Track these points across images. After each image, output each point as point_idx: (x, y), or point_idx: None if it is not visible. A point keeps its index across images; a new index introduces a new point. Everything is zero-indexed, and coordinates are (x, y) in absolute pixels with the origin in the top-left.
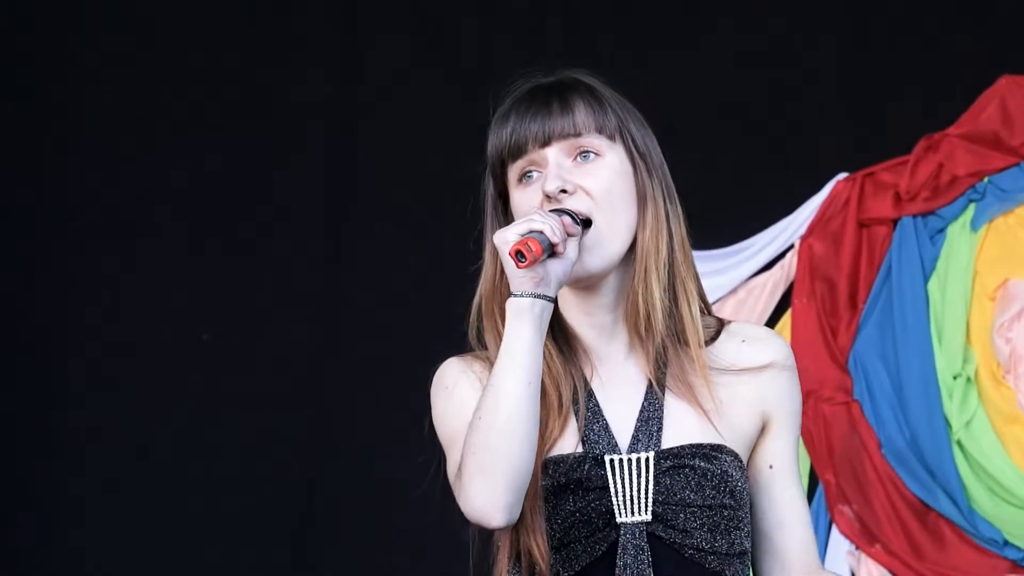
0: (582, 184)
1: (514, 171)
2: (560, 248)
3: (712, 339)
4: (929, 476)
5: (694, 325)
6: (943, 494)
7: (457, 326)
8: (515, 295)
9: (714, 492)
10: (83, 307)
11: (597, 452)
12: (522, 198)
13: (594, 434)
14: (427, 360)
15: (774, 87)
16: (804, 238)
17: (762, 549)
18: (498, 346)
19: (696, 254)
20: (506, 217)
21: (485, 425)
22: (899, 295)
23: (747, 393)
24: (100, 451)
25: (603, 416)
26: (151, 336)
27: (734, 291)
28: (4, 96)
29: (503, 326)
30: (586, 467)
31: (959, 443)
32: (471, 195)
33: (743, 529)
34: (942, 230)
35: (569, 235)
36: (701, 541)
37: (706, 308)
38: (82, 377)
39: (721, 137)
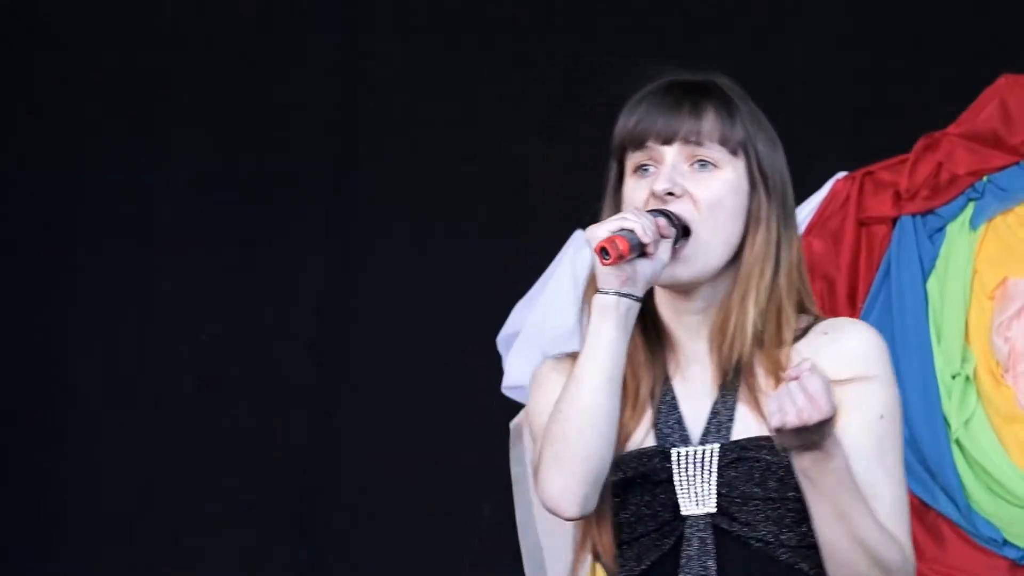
0: (691, 191)
1: (632, 160)
2: (650, 249)
3: (798, 337)
4: (928, 475)
5: (777, 335)
6: (942, 493)
7: (464, 329)
8: (601, 292)
9: (778, 484)
10: (81, 307)
11: (667, 445)
12: (633, 189)
13: (667, 427)
14: (434, 363)
15: (772, 85)
16: (803, 236)
17: None
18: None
19: None
20: (619, 202)
21: (563, 417)
22: (898, 294)
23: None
24: (97, 452)
25: (678, 409)
26: (149, 337)
27: None
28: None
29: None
30: (654, 460)
31: (958, 442)
32: (475, 197)
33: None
34: (941, 229)
35: (662, 236)
36: (766, 533)
37: (808, 308)
38: (81, 378)
39: None
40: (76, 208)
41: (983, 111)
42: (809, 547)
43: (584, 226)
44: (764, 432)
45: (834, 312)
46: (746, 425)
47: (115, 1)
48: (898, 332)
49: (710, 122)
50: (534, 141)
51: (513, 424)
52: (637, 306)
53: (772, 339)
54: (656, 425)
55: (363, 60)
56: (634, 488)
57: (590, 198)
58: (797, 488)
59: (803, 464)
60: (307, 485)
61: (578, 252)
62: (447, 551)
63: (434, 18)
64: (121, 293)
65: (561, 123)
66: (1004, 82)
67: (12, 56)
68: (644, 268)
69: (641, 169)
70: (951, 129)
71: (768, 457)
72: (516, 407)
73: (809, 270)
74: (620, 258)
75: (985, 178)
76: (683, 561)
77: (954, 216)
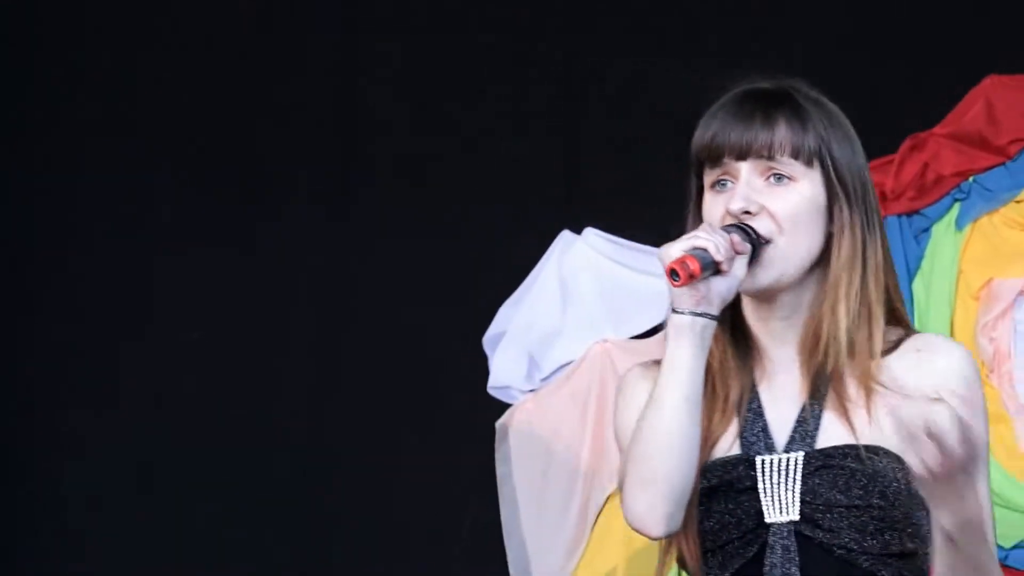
0: (768, 205)
1: (710, 175)
2: (724, 267)
3: (889, 351)
4: None
5: (869, 344)
6: None
7: (451, 328)
8: (675, 312)
9: (862, 492)
10: (80, 305)
11: (752, 453)
12: (712, 204)
13: (752, 435)
14: (422, 362)
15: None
16: None
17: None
18: None
19: None
20: (700, 214)
21: (644, 438)
22: None
23: (912, 411)
24: (89, 453)
25: (764, 417)
26: (142, 335)
27: None
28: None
29: None
30: (739, 468)
31: None
32: (470, 198)
33: (901, 529)
34: (927, 229)
35: (737, 253)
36: (850, 541)
37: (896, 318)
38: (71, 377)
39: None
40: (71, 207)
41: (969, 112)
42: (890, 555)
43: (575, 228)
44: (850, 441)
45: None
46: (832, 434)
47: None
48: None
49: (782, 134)
50: (530, 141)
51: (499, 424)
52: (713, 325)
53: (863, 348)
54: (742, 433)
55: (362, 60)
56: (718, 496)
57: (577, 200)
58: (881, 495)
59: (946, 523)
60: (299, 484)
61: (565, 253)
62: (432, 551)
63: (433, 18)
64: (116, 292)
65: (559, 124)
66: (990, 83)
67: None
68: (719, 286)
69: (719, 184)
70: (937, 129)
71: (852, 465)
72: (502, 407)
73: None
74: (691, 278)
75: (971, 179)
76: (767, 569)
77: (940, 216)
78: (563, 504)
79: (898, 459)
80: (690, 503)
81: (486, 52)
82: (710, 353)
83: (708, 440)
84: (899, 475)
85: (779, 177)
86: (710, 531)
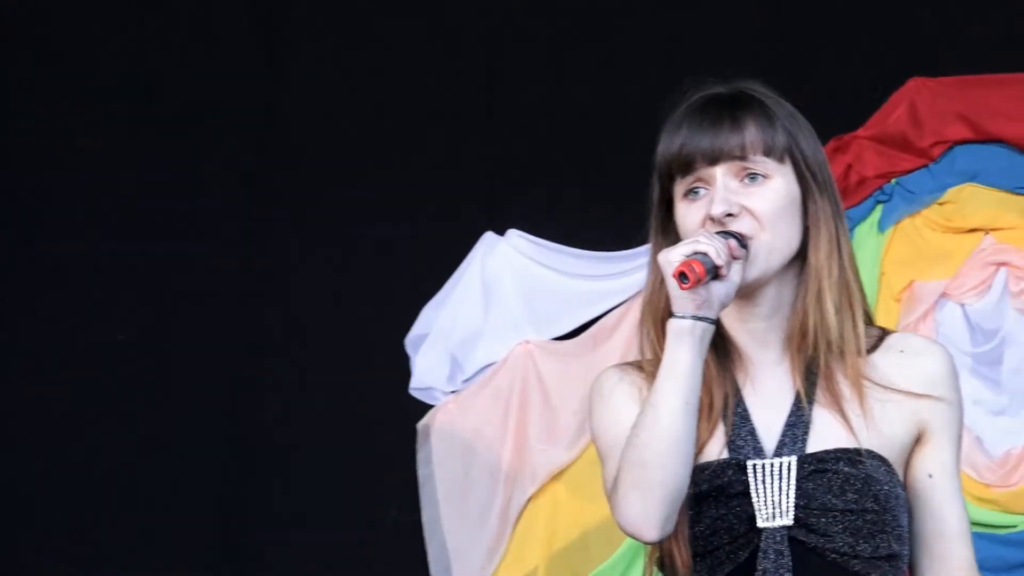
0: (747, 205)
1: (681, 185)
2: (724, 271)
3: (871, 350)
4: None
5: (856, 339)
6: None
7: (372, 329)
8: (676, 316)
9: (856, 496)
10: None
11: (742, 457)
12: (686, 213)
13: (740, 439)
14: (343, 363)
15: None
16: None
17: (923, 557)
18: (651, 354)
19: (609, 255)
20: (667, 226)
21: (642, 443)
22: None
23: (902, 411)
24: (9, 453)
25: (751, 421)
26: (66, 337)
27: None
28: None
29: (656, 336)
30: (729, 473)
31: None
32: (393, 200)
33: (890, 532)
34: (849, 231)
35: (734, 258)
36: (843, 545)
37: (868, 318)
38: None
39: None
40: None
41: (893, 114)
42: (881, 558)
43: (497, 230)
44: (843, 441)
45: None
46: (824, 435)
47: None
48: None
49: (752, 134)
50: (453, 144)
51: (420, 425)
52: (712, 329)
53: (851, 344)
54: (730, 438)
55: (284, 63)
56: (709, 501)
57: (500, 202)
58: (874, 499)
59: None
60: (220, 485)
61: (487, 254)
62: (354, 552)
63: (354, 19)
64: (33, 293)
65: (478, 125)
66: (913, 85)
67: None
68: (718, 290)
69: (692, 192)
70: (860, 131)
71: (846, 469)
72: (424, 408)
73: None
74: (698, 282)
75: (894, 180)
76: (759, 574)
77: (862, 218)
78: (485, 505)
79: (887, 462)
80: (681, 508)
81: (414, 58)
82: None
83: (697, 444)
84: (889, 478)
85: (753, 176)
86: (700, 536)
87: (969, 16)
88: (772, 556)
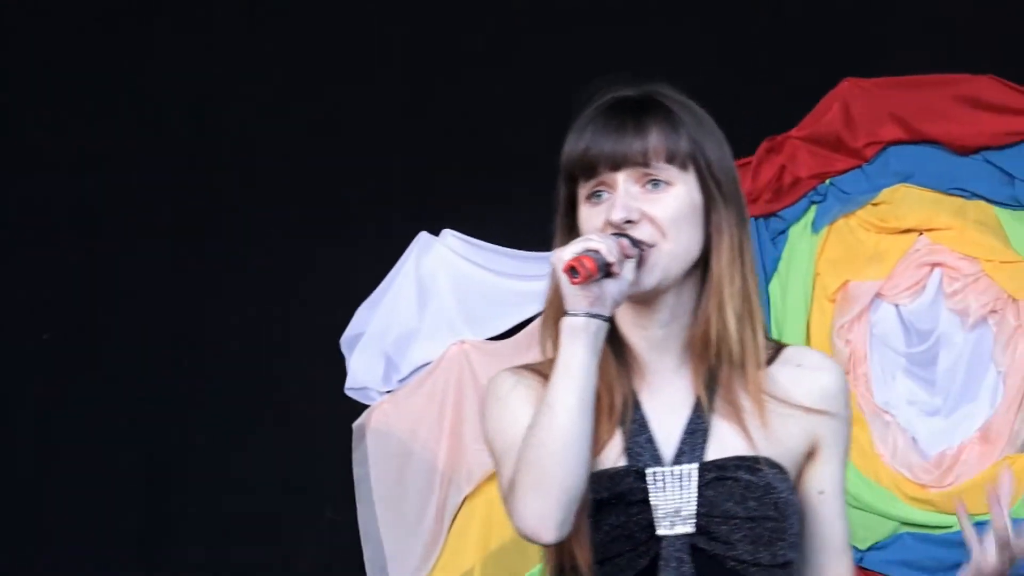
0: (648, 212)
1: (585, 188)
2: (616, 269)
3: (768, 362)
4: None
5: (756, 350)
6: None
7: (307, 329)
8: (570, 313)
9: (757, 504)
10: None
11: (640, 465)
12: (589, 216)
13: (638, 446)
14: (277, 363)
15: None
16: None
17: (802, 567)
18: (553, 355)
19: (544, 255)
20: (572, 227)
21: (538, 443)
22: None
23: (798, 423)
24: None
25: (649, 428)
26: None
27: None
28: None
29: (556, 337)
30: (628, 480)
31: None
32: (327, 201)
33: (787, 540)
34: (784, 232)
35: (626, 256)
36: (743, 553)
37: (765, 330)
38: None
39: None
40: None
41: (826, 115)
42: (779, 566)
43: (432, 230)
44: (742, 450)
45: None
46: (723, 443)
47: None
48: None
49: (655, 141)
50: (386, 144)
51: (356, 425)
52: (606, 326)
53: (752, 355)
54: (627, 445)
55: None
56: (608, 508)
57: (435, 202)
58: (774, 507)
59: None
60: (151, 483)
61: (422, 254)
62: (289, 551)
63: (276, 27)
64: None
65: (408, 125)
66: (847, 86)
67: None
68: (611, 288)
69: (595, 195)
70: (794, 132)
71: (747, 477)
72: (359, 408)
73: None
74: (589, 277)
75: (827, 181)
76: None
77: (796, 219)
78: (420, 505)
79: (784, 471)
80: (582, 513)
81: (338, 58)
82: None
83: (595, 448)
84: (786, 487)
85: (656, 183)
86: (600, 543)
87: (902, 17)
88: (673, 564)
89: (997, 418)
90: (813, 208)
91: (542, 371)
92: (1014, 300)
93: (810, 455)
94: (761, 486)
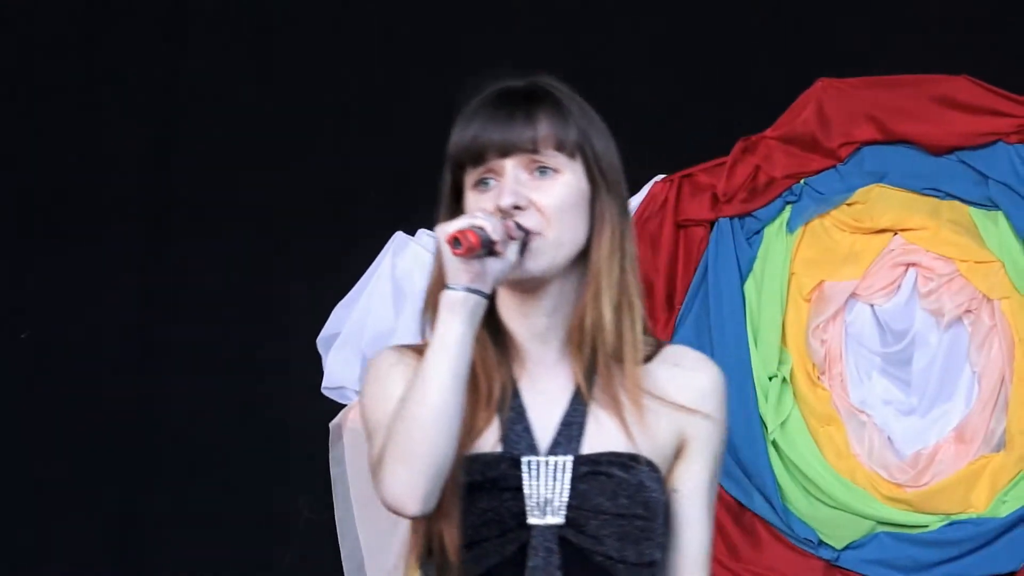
0: (535, 199)
1: (472, 175)
2: (499, 247)
3: (648, 358)
4: (744, 476)
5: (634, 344)
6: (758, 494)
7: (284, 328)
8: (449, 288)
9: (628, 501)
10: None
11: (516, 453)
12: (476, 203)
13: (515, 434)
14: (254, 362)
15: (591, 88)
16: None
17: (663, 569)
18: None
19: None
20: (457, 214)
21: (409, 415)
22: (715, 296)
23: (671, 422)
24: None
25: (526, 417)
26: None
27: None
28: None
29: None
30: (502, 467)
31: (774, 443)
32: (303, 201)
33: (654, 540)
34: (759, 232)
35: (511, 238)
36: (610, 549)
37: (645, 327)
38: None
39: None
40: None
41: (801, 115)
42: (644, 564)
43: (408, 230)
44: (617, 445)
45: (651, 314)
46: (599, 437)
47: None
48: (715, 334)
49: (544, 128)
50: (356, 148)
51: (333, 424)
52: (485, 304)
53: (630, 349)
54: (504, 432)
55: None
56: (481, 493)
57: (411, 203)
58: (644, 506)
59: None
60: (126, 483)
61: (398, 254)
62: (266, 551)
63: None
64: None
65: (381, 126)
66: (821, 86)
67: None
68: (493, 266)
69: (482, 183)
70: (769, 132)
71: (620, 473)
72: (336, 407)
73: None
74: (471, 250)
75: (802, 181)
76: (527, 571)
77: (771, 219)
78: None
79: (658, 470)
80: (451, 494)
81: (318, 57)
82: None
83: (471, 433)
84: (658, 486)
85: (543, 170)
86: (471, 526)
87: (877, 17)
88: (542, 554)
89: (972, 418)
90: (788, 208)
91: (424, 351)
92: (989, 300)
93: (677, 455)
94: (634, 484)
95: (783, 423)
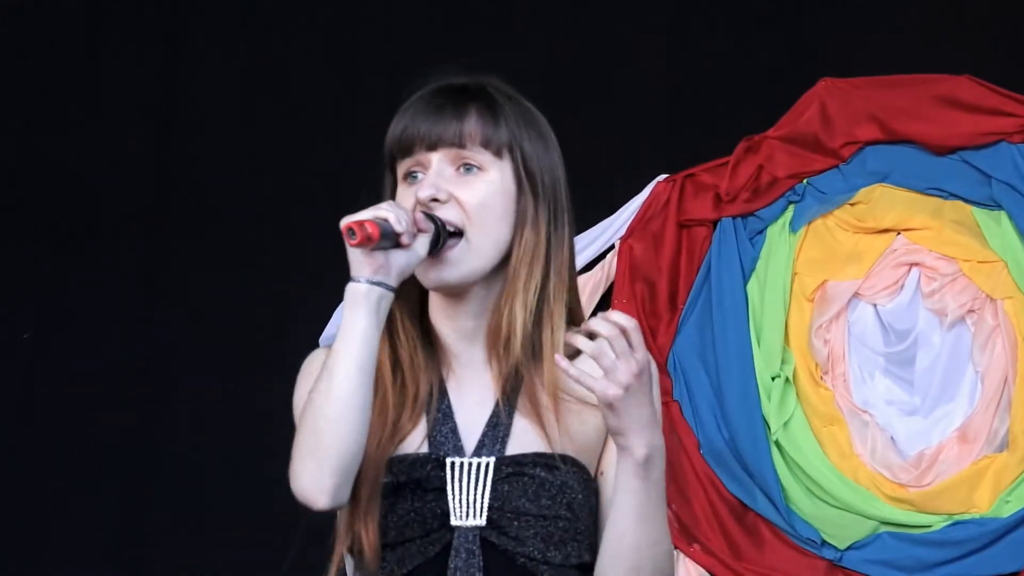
0: (457, 195)
1: (402, 168)
2: (405, 239)
3: (572, 356)
4: (747, 476)
5: (552, 349)
6: (761, 494)
7: (294, 332)
8: (353, 280)
9: (550, 502)
10: None
11: (441, 454)
12: (403, 195)
13: (441, 435)
14: (251, 364)
15: (595, 87)
16: (624, 239)
17: (599, 559)
18: None
19: None
20: None
21: (315, 408)
22: (718, 296)
23: (594, 417)
24: None
25: (453, 419)
26: None
27: None
28: None
29: None
30: (427, 468)
31: (777, 443)
32: (306, 199)
33: (581, 542)
34: (762, 231)
35: (420, 230)
36: (533, 550)
37: (575, 321)
38: None
39: None
40: None
41: (803, 115)
42: (571, 566)
43: None
44: (541, 448)
45: (654, 313)
46: (523, 440)
47: None
48: (718, 334)
49: (472, 125)
50: (355, 147)
51: None
52: (390, 296)
53: (548, 350)
54: (431, 433)
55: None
56: (404, 493)
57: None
58: (568, 507)
59: (641, 453)
60: (126, 483)
61: None
62: (266, 550)
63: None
64: None
65: (382, 125)
66: (824, 86)
67: None
68: (398, 258)
69: (410, 176)
70: (771, 132)
71: (543, 474)
72: None
73: (631, 272)
74: (368, 240)
75: (805, 181)
76: (449, 572)
77: (774, 218)
78: None
79: (584, 469)
80: (372, 493)
81: (318, 58)
82: (400, 345)
83: (396, 435)
84: (583, 487)
85: (469, 167)
86: (393, 526)
87: (878, 17)
88: (464, 555)
89: (975, 417)
90: (791, 208)
91: None
92: (991, 300)
93: (604, 443)
94: (557, 484)
95: (786, 423)
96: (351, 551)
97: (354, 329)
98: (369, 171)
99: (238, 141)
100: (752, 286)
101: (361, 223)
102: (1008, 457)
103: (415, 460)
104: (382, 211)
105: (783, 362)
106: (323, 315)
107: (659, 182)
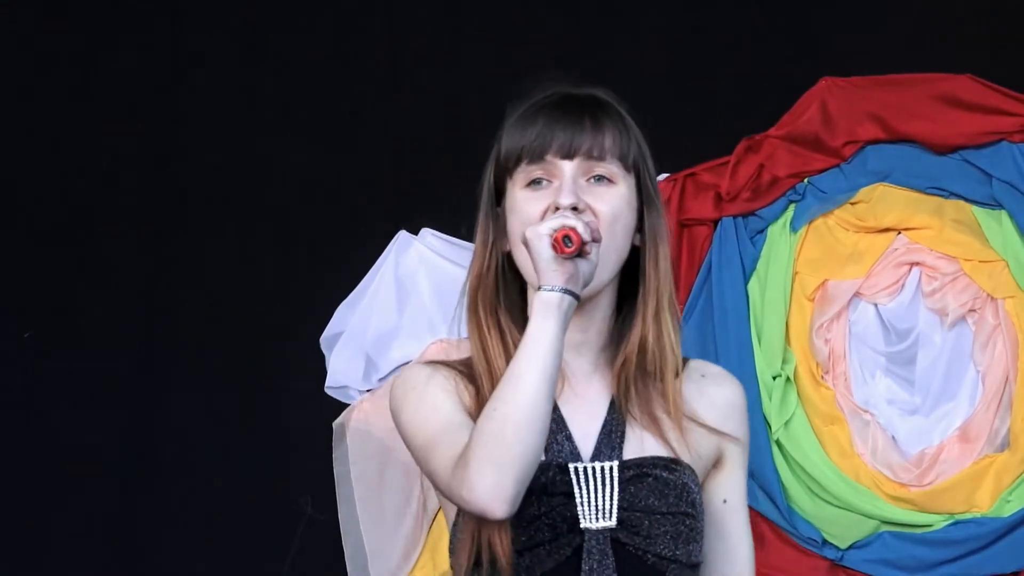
0: (593, 205)
1: (525, 173)
2: (588, 249)
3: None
4: (748, 476)
5: (674, 359)
6: (762, 494)
7: (287, 328)
8: (544, 288)
9: (677, 500)
10: None
11: (562, 459)
12: (525, 201)
13: (557, 444)
14: (257, 362)
15: (594, 87)
16: None
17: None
18: (480, 341)
19: None
20: (497, 213)
21: (501, 416)
22: (719, 295)
23: (706, 436)
24: None
25: (567, 427)
26: None
27: None
28: None
29: (485, 319)
30: (550, 474)
31: (778, 443)
32: (307, 199)
33: (699, 542)
34: (762, 231)
35: (594, 240)
36: (664, 548)
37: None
38: None
39: None
40: None
41: (804, 114)
42: (692, 565)
43: (411, 229)
44: (659, 452)
45: None
46: (639, 445)
47: None
48: (719, 333)
49: (610, 138)
50: (363, 142)
51: (336, 424)
52: (575, 306)
53: (671, 363)
54: (547, 442)
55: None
56: (530, 499)
57: (414, 202)
58: (691, 505)
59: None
60: (126, 483)
61: (401, 253)
62: (268, 550)
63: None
64: None
65: (383, 125)
66: (825, 85)
67: None
68: (584, 268)
69: (535, 183)
70: (772, 131)
71: (665, 475)
72: (339, 407)
73: None
74: (582, 246)
75: (806, 180)
76: (584, 574)
77: (775, 218)
78: (401, 504)
79: (695, 472)
80: None
81: (319, 57)
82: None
83: None
84: (699, 489)
85: (600, 179)
86: (523, 532)
87: (878, 17)
88: (597, 556)
89: (977, 417)
90: (792, 207)
91: (456, 367)
92: (992, 299)
93: (715, 466)
94: (679, 484)
95: (787, 422)
96: (476, 563)
97: (545, 337)
98: (369, 171)
99: (238, 141)
100: (753, 286)
101: (567, 234)
102: (1009, 457)
103: (540, 466)
104: (569, 220)
105: (784, 361)
106: (324, 315)
107: (659, 181)
